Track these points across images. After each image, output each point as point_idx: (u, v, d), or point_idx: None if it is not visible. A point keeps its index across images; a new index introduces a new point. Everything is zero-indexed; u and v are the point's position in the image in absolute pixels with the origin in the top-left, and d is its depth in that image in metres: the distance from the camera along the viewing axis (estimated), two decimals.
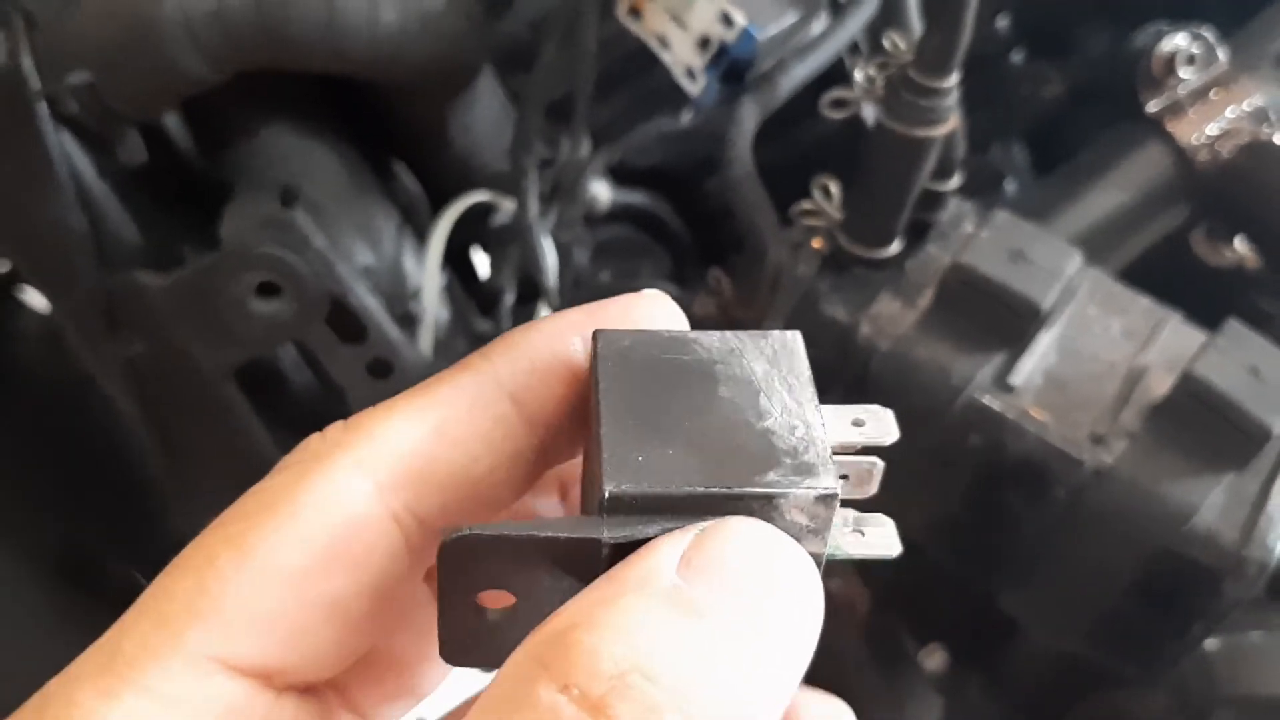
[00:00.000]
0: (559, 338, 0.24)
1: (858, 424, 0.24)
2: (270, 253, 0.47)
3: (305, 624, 0.22)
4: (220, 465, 0.52)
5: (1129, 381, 0.46)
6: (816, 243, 0.49)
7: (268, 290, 0.48)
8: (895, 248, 0.48)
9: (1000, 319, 0.45)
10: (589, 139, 0.50)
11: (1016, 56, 0.63)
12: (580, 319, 0.24)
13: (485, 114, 0.55)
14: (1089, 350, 0.47)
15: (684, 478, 0.22)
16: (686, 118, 0.54)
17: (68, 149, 0.47)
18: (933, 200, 0.48)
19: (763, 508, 0.22)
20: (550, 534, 0.23)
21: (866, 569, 0.64)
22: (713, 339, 0.24)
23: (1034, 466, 0.45)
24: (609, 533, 0.22)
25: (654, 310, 0.25)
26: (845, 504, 0.23)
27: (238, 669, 0.22)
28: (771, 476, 0.22)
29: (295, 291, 0.47)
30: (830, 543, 0.22)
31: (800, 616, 0.21)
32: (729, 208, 0.51)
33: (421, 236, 0.54)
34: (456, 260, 0.59)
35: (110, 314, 0.48)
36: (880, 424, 0.24)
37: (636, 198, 0.59)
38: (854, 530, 0.24)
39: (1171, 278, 0.56)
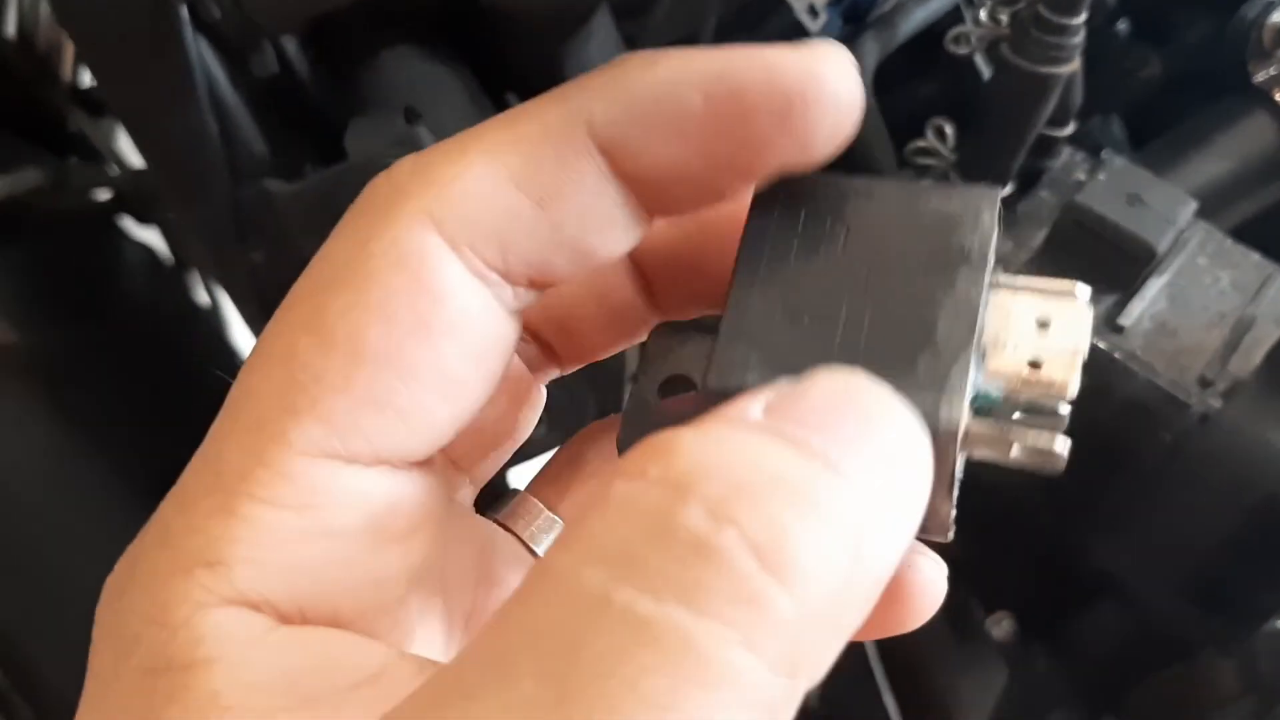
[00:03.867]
0: (676, 84, 0.21)
1: (1042, 326, 0.20)
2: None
3: (411, 400, 0.21)
4: None
5: (1237, 331, 0.46)
6: None
7: None
8: (1008, 190, 0.48)
9: (1113, 261, 0.46)
10: None
11: (1122, 28, 0.63)
12: (707, 63, 0.21)
13: (600, 54, 0.56)
14: (1198, 299, 0.47)
15: (794, 368, 0.19)
16: None
17: (204, 56, 0.48)
18: (1046, 146, 0.49)
19: None
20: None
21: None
22: (889, 195, 0.21)
23: (1140, 409, 0.46)
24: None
25: (817, 74, 0.20)
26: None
27: (354, 459, 0.20)
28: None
29: None
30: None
31: (901, 460, 0.18)
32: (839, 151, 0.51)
33: None
34: None
35: (237, 221, 0.50)
36: (1069, 328, 0.20)
37: None
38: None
39: (1270, 249, 0.56)
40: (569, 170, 0.21)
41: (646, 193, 0.22)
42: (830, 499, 0.16)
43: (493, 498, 0.28)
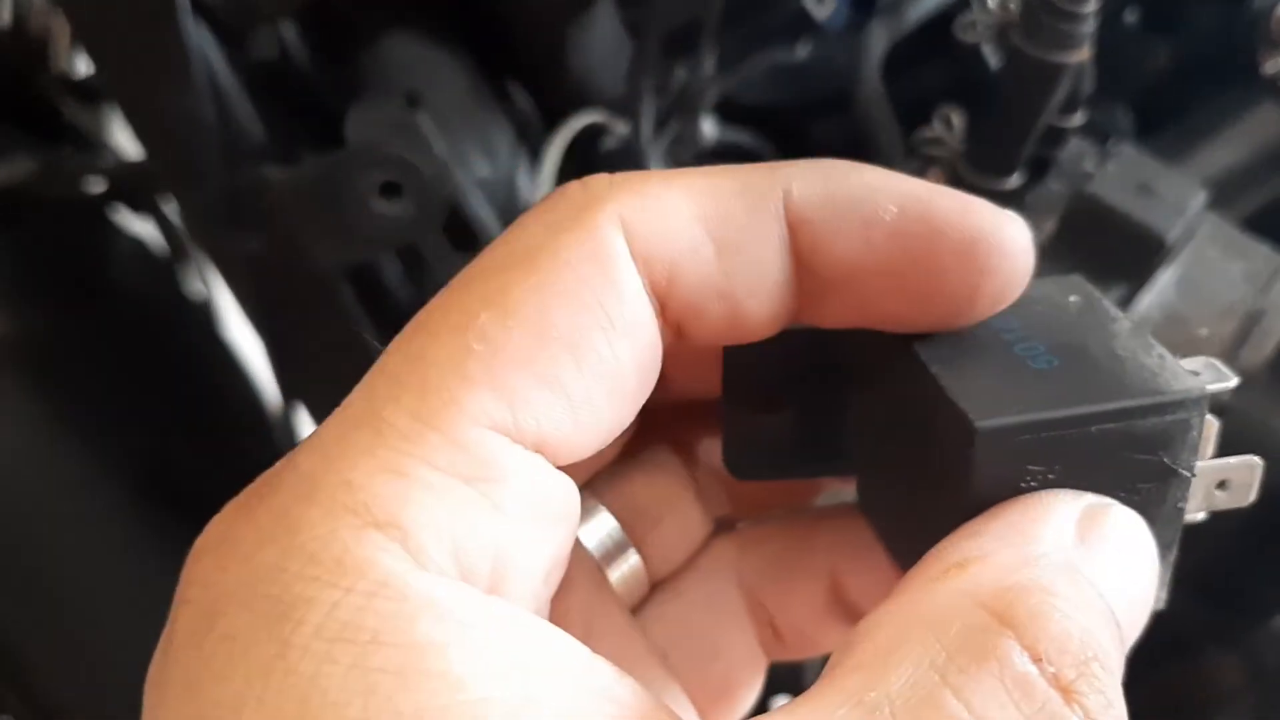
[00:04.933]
0: (876, 190, 0.22)
1: (1193, 374, 0.23)
2: (396, 152, 0.47)
3: (585, 390, 0.20)
4: (330, 369, 0.53)
5: (1248, 322, 0.46)
6: (933, 175, 0.49)
7: (389, 190, 0.48)
8: (1015, 180, 0.48)
9: (1123, 251, 0.45)
10: (714, 57, 0.51)
11: (1130, 18, 0.62)
12: (910, 184, 0.22)
13: (602, 39, 0.55)
14: (1208, 290, 0.46)
15: (1044, 403, 0.21)
16: (803, 51, 0.54)
17: (202, 41, 0.48)
18: (1054, 136, 0.48)
19: (1136, 424, 0.21)
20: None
21: None
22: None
23: None
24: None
25: (1007, 231, 0.22)
26: None
27: (521, 438, 0.20)
28: (1136, 393, 0.21)
29: (416, 194, 0.48)
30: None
31: (1150, 602, 0.22)
32: (843, 142, 0.51)
33: (535, 156, 0.55)
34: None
35: (233, 208, 0.49)
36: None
37: (741, 136, 0.59)
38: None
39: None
40: (755, 227, 0.21)
41: (813, 286, 0.22)
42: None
43: None
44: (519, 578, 0.20)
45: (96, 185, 0.71)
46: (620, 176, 0.22)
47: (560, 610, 0.24)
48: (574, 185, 0.22)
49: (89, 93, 0.71)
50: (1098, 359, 0.22)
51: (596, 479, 0.27)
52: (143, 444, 0.65)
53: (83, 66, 0.71)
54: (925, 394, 0.22)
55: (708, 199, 0.21)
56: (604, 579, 0.26)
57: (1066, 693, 0.18)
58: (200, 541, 0.19)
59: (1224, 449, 0.44)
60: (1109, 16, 0.63)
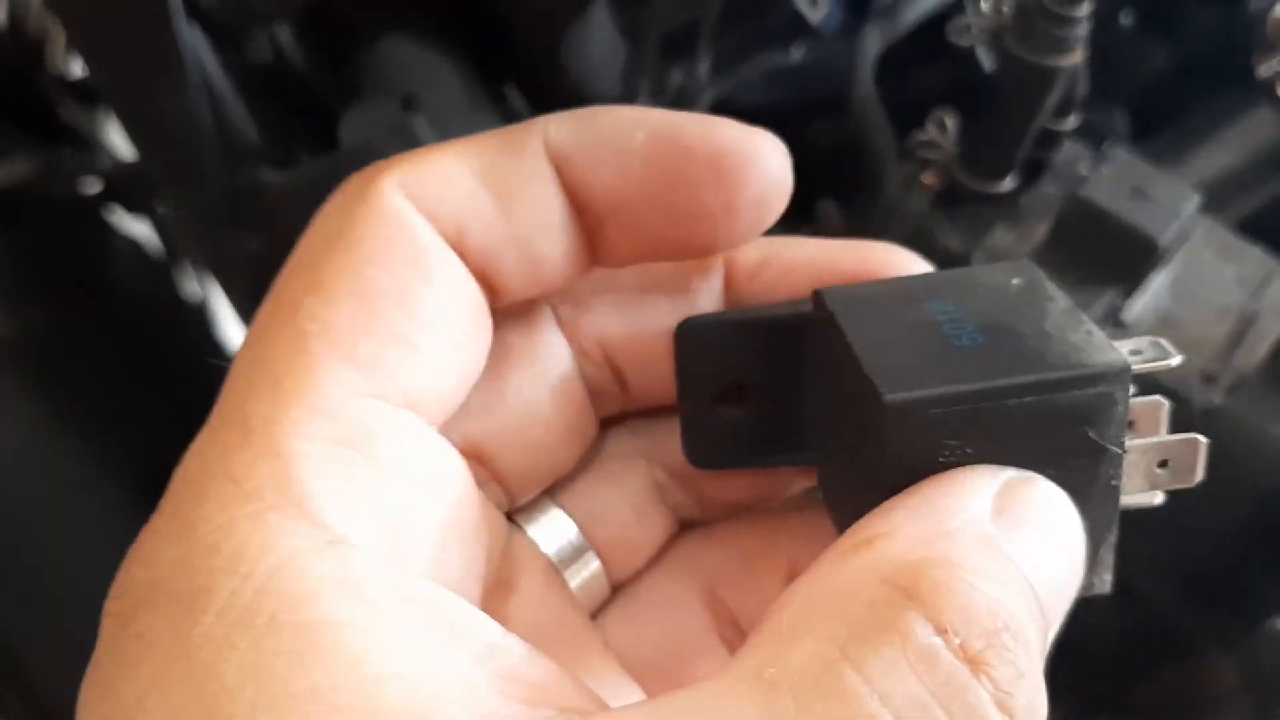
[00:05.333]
0: (624, 122, 0.23)
1: (1135, 353, 0.22)
2: (392, 155, 0.47)
3: (424, 337, 0.21)
4: None
5: (1241, 325, 0.46)
6: (928, 178, 0.49)
7: None
8: (1010, 183, 0.48)
9: (1117, 254, 0.45)
10: (709, 61, 0.51)
11: (1126, 20, 0.62)
12: (658, 114, 0.23)
13: (598, 41, 0.55)
14: (1202, 294, 0.47)
15: (958, 377, 0.21)
16: (798, 54, 0.54)
17: (197, 44, 0.48)
18: (1049, 140, 0.48)
19: (1055, 398, 0.21)
20: (785, 313, 0.24)
21: None
22: (946, 275, 0.24)
23: None
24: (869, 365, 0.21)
25: (753, 145, 0.23)
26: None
27: (385, 398, 0.21)
28: (1054, 367, 0.21)
29: None
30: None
31: (1076, 580, 0.21)
32: (839, 144, 0.51)
33: None
34: None
35: (231, 209, 0.49)
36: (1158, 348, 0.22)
37: None
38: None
39: (1275, 243, 0.55)
40: (523, 171, 0.23)
41: (590, 221, 0.24)
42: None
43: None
44: (415, 543, 0.20)
45: (93, 186, 0.72)
46: (394, 156, 0.23)
47: (513, 614, 0.24)
48: (353, 175, 0.23)
49: (86, 93, 0.71)
50: (1024, 336, 0.21)
51: (557, 485, 0.27)
52: (143, 444, 0.65)
53: (79, 67, 0.71)
54: (849, 372, 0.22)
55: (475, 155, 0.23)
56: (561, 582, 0.26)
57: (974, 664, 0.17)
58: (129, 554, 0.20)
59: (1217, 451, 0.45)
60: (1104, 19, 0.63)
